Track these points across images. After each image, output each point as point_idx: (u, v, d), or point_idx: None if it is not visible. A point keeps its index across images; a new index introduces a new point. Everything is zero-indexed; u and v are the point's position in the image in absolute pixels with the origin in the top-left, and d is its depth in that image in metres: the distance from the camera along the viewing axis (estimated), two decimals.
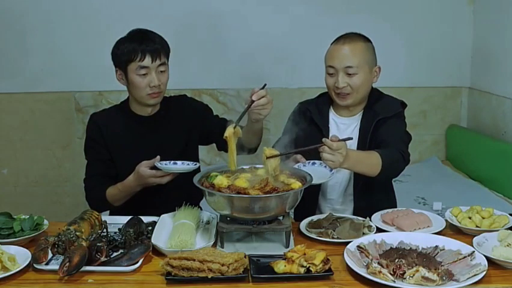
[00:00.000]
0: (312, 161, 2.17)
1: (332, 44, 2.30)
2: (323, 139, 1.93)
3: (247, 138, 2.28)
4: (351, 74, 2.22)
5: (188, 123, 2.42)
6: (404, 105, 2.34)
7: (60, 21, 3.96)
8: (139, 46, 2.24)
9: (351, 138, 2.05)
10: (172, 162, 2.14)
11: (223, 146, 2.46)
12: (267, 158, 1.98)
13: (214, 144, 2.50)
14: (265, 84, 2.06)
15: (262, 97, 2.00)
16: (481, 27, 4.07)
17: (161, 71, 2.29)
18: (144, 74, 2.26)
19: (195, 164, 2.16)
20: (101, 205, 2.30)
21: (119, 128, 2.37)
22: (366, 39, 2.30)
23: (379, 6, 4.07)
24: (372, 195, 2.29)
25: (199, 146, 2.54)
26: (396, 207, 2.30)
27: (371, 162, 2.07)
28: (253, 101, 2.00)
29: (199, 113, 2.46)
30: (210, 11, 4.00)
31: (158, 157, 2.13)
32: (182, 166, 2.14)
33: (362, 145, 2.27)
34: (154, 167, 2.12)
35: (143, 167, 2.13)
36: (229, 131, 2.00)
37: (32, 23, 3.96)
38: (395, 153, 2.14)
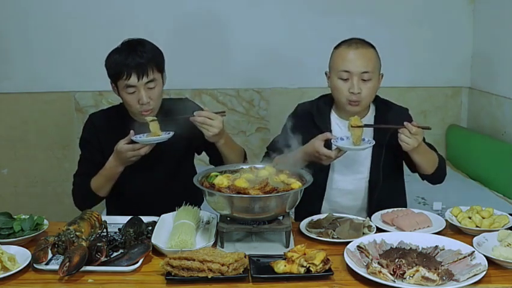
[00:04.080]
0: (340, 137, 2.20)
1: (339, 48, 2.26)
2: (405, 122, 2.08)
3: (224, 157, 2.31)
4: (365, 79, 2.19)
5: (187, 128, 2.38)
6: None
7: (60, 21, 3.95)
8: (125, 61, 2.19)
9: (430, 128, 2.14)
10: (146, 134, 2.20)
11: (213, 161, 2.46)
12: (352, 127, 2.11)
13: None
14: (223, 112, 2.18)
15: (204, 117, 2.12)
16: (481, 27, 4.06)
17: (150, 88, 2.23)
18: (132, 92, 2.23)
19: (168, 133, 2.21)
20: (85, 200, 2.32)
21: (116, 131, 2.29)
22: (373, 46, 2.28)
23: (379, 6, 4.06)
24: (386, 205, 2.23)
25: None
26: None
27: (433, 158, 2.24)
28: (193, 115, 2.13)
29: None
30: (210, 11, 3.99)
31: (132, 132, 2.17)
32: (157, 136, 2.19)
33: (378, 153, 2.27)
34: (131, 142, 2.17)
35: (121, 144, 2.18)
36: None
37: (32, 23, 3.95)
38: (442, 158, 2.30)
